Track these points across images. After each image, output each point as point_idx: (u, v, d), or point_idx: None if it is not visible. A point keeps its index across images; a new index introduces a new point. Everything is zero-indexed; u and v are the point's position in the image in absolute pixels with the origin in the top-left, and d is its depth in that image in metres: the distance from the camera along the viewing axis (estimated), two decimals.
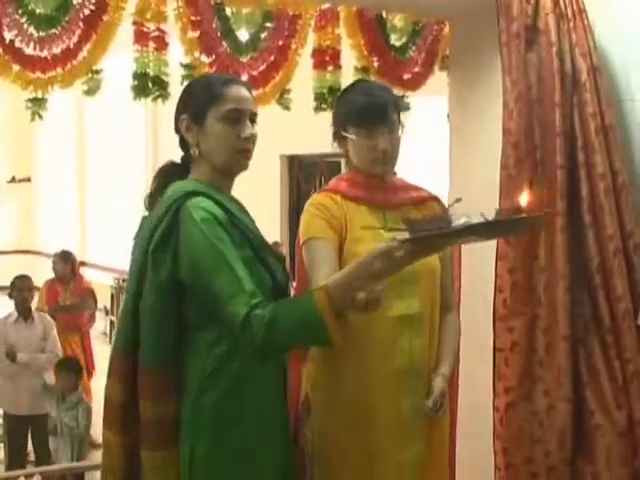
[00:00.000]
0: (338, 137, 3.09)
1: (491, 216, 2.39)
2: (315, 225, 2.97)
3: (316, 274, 2.87)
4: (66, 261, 8.81)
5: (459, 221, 2.37)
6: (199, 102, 2.75)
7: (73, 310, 8.59)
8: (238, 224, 2.68)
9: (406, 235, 2.39)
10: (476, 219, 2.36)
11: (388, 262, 2.44)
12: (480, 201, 4.43)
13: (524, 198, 2.50)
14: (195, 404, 2.66)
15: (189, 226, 2.59)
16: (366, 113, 2.98)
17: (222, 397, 2.65)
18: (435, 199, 3.22)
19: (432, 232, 2.39)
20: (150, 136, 10.48)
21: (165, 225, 2.62)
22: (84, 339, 8.76)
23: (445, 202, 3.36)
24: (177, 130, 2.83)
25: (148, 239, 2.65)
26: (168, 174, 2.85)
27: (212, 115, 2.73)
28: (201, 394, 2.66)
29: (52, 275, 8.87)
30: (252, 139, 2.76)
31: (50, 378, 6.99)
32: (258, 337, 2.48)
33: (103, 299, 10.02)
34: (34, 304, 7.96)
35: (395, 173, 3.22)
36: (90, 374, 8.55)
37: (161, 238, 2.62)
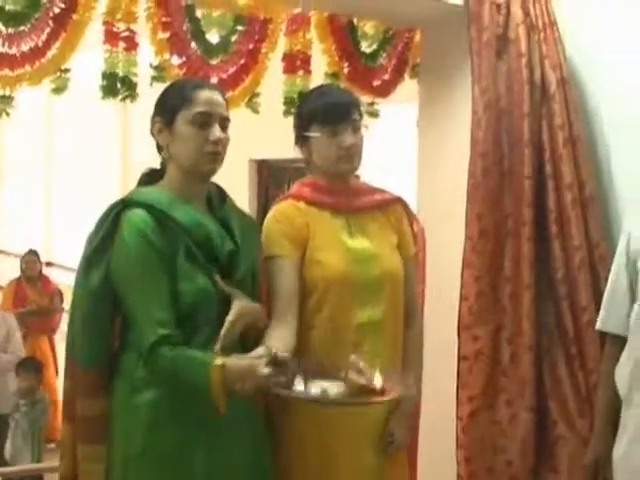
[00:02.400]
0: (301, 140, 3.09)
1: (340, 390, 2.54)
2: (277, 242, 2.97)
3: (276, 303, 2.91)
4: (38, 260, 8.77)
5: (299, 386, 2.53)
6: (170, 105, 2.77)
7: (45, 313, 8.55)
8: (180, 235, 2.68)
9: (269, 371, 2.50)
10: (315, 390, 2.52)
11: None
12: (447, 209, 4.46)
13: (377, 380, 2.58)
14: (128, 404, 2.70)
15: (118, 241, 2.67)
16: (330, 111, 3.00)
17: (159, 396, 2.67)
18: (399, 201, 3.22)
19: (275, 384, 2.52)
20: (120, 136, 10.41)
21: (103, 232, 2.70)
22: (52, 340, 8.72)
23: (413, 204, 3.38)
24: (153, 133, 2.84)
25: (86, 247, 2.74)
26: (147, 180, 2.88)
27: (181, 118, 2.73)
28: (134, 394, 2.69)
29: (15, 274, 8.80)
30: (222, 143, 2.75)
31: (13, 379, 6.94)
32: (159, 374, 2.63)
33: (70, 300, 9.93)
34: None
35: (358, 177, 3.23)
36: (57, 374, 8.50)
37: (98, 245, 2.71)
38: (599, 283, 3.97)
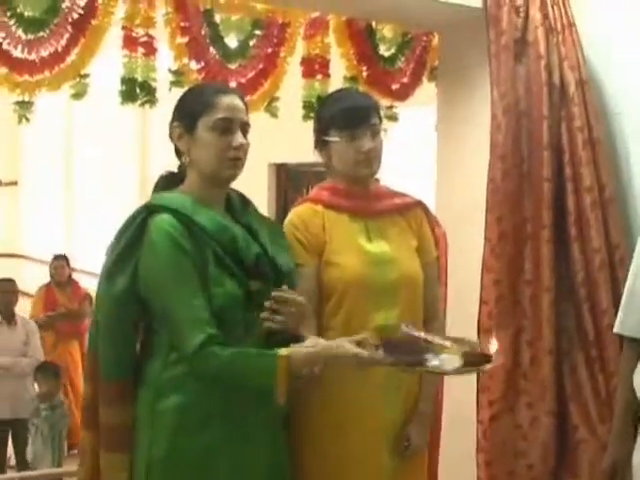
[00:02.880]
0: (320, 144, 3.10)
1: (459, 362, 2.64)
2: (294, 250, 2.97)
3: None
4: (67, 264, 8.77)
5: (433, 361, 2.63)
6: (190, 110, 2.76)
7: (73, 316, 8.56)
8: (207, 240, 2.68)
9: (380, 353, 2.60)
10: (448, 365, 2.64)
11: (350, 362, 2.62)
12: (466, 213, 4.45)
13: (493, 347, 2.71)
14: (153, 410, 2.69)
15: (148, 246, 2.65)
16: (349, 115, 3.01)
17: (185, 401, 2.67)
18: (420, 204, 3.22)
19: (400, 361, 2.65)
20: (139, 141, 10.45)
21: (128, 238, 2.68)
22: (82, 345, 8.73)
23: (432, 207, 3.38)
24: (172, 138, 2.83)
25: (109, 252, 2.73)
26: (165, 184, 2.87)
27: (203, 123, 2.72)
28: (159, 399, 2.68)
29: (37, 280, 8.80)
30: (242, 148, 2.75)
31: (32, 384, 6.97)
32: (209, 372, 2.61)
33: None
34: (26, 311, 7.93)
35: (378, 180, 3.22)
36: None
37: (122, 251, 2.69)
38: (619, 285, 3.94)
